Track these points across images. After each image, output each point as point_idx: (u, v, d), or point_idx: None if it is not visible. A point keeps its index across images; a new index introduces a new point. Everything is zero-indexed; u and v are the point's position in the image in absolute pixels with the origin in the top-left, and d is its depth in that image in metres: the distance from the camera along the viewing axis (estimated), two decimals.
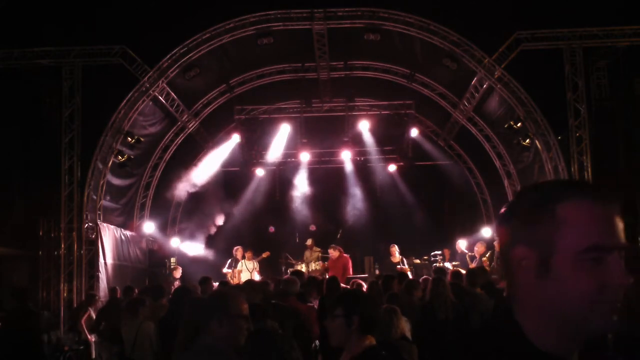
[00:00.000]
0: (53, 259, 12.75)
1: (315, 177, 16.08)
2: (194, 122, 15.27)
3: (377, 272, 13.56)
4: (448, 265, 12.79)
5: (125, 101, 12.72)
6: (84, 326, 9.25)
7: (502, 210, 1.18)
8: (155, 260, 15.11)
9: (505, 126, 12.92)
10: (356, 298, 2.93)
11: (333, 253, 12.59)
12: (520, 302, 1.11)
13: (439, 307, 6.03)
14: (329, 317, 2.84)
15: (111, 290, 10.53)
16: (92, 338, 9.27)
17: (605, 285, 1.03)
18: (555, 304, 1.05)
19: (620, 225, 1.08)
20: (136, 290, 9.10)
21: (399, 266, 12.56)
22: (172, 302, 5.58)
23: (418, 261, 13.61)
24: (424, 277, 9.27)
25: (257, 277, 12.32)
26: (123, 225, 14.19)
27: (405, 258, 13.08)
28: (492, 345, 1.11)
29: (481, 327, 1.17)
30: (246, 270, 13.08)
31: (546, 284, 1.06)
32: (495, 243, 13.24)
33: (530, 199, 1.12)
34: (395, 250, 13.01)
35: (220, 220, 16.30)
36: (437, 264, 13.05)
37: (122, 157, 12.93)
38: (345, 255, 12.61)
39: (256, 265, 13.27)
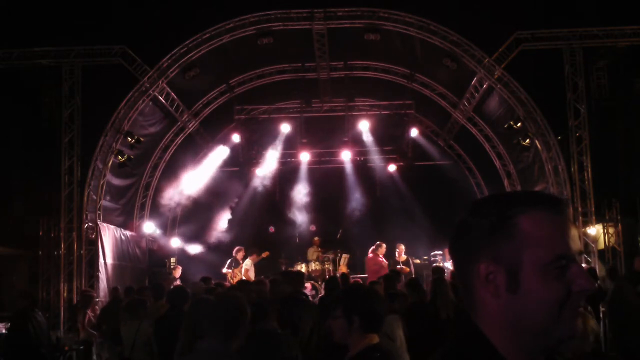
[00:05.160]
0: (53, 259, 12.74)
1: (315, 177, 16.08)
2: (194, 122, 15.27)
3: None
4: (448, 265, 12.78)
5: (125, 101, 12.71)
6: (83, 327, 9.24)
7: (458, 225, 1.14)
8: (155, 260, 15.11)
9: (505, 126, 12.92)
10: (355, 297, 2.85)
11: (383, 251, 12.35)
12: (485, 317, 1.09)
13: (441, 307, 6.05)
14: (330, 317, 2.82)
15: (113, 290, 10.53)
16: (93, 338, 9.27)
17: (571, 292, 1.04)
18: (526, 317, 1.05)
19: (576, 231, 1.09)
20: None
21: (398, 266, 12.56)
22: (171, 303, 5.57)
23: (418, 261, 13.62)
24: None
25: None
26: (123, 225, 14.18)
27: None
28: None
29: (451, 345, 1.15)
30: (252, 270, 13.17)
31: (516, 297, 1.05)
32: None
33: (489, 212, 1.09)
34: (402, 249, 13.01)
35: (219, 220, 16.30)
36: (437, 264, 13.05)
37: (122, 157, 12.91)
38: (370, 254, 12.45)
39: (252, 266, 13.32)
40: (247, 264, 13.18)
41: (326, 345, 5.11)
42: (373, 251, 12.19)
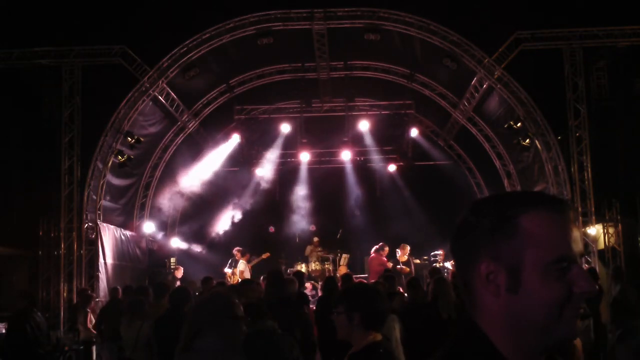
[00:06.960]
0: (53, 259, 12.74)
1: (315, 177, 16.08)
2: (193, 122, 15.27)
3: None
4: (448, 265, 12.78)
5: (125, 101, 12.71)
6: (84, 327, 9.25)
7: (458, 224, 1.13)
8: (155, 260, 15.11)
9: (505, 126, 12.92)
10: (359, 294, 2.92)
11: (386, 252, 12.25)
12: (485, 316, 1.09)
13: (443, 307, 6.04)
14: (334, 313, 2.87)
15: (112, 290, 10.54)
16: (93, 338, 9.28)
17: (572, 293, 1.04)
18: (526, 316, 1.05)
19: (578, 232, 1.09)
20: None
21: (398, 266, 12.55)
22: (172, 302, 5.57)
23: (418, 261, 13.60)
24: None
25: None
26: (123, 225, 14.18)
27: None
28: None
29: (451, 344, 1.14)
30: (247, 271, 13.16)
31: (516, 297, 1.05)
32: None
33: (491, 212, 1.09)
34: (405, 250, 12.90)
35: (219, 220, 16.30)
36: (437, 264, 13.04)
37: (122, 157, 12.91)
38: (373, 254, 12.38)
39: (246, 267, 13.32)
40: (241, 265, 13.20)
41: (328, 342, 5.12)
42: (376, 251, 12.15)
